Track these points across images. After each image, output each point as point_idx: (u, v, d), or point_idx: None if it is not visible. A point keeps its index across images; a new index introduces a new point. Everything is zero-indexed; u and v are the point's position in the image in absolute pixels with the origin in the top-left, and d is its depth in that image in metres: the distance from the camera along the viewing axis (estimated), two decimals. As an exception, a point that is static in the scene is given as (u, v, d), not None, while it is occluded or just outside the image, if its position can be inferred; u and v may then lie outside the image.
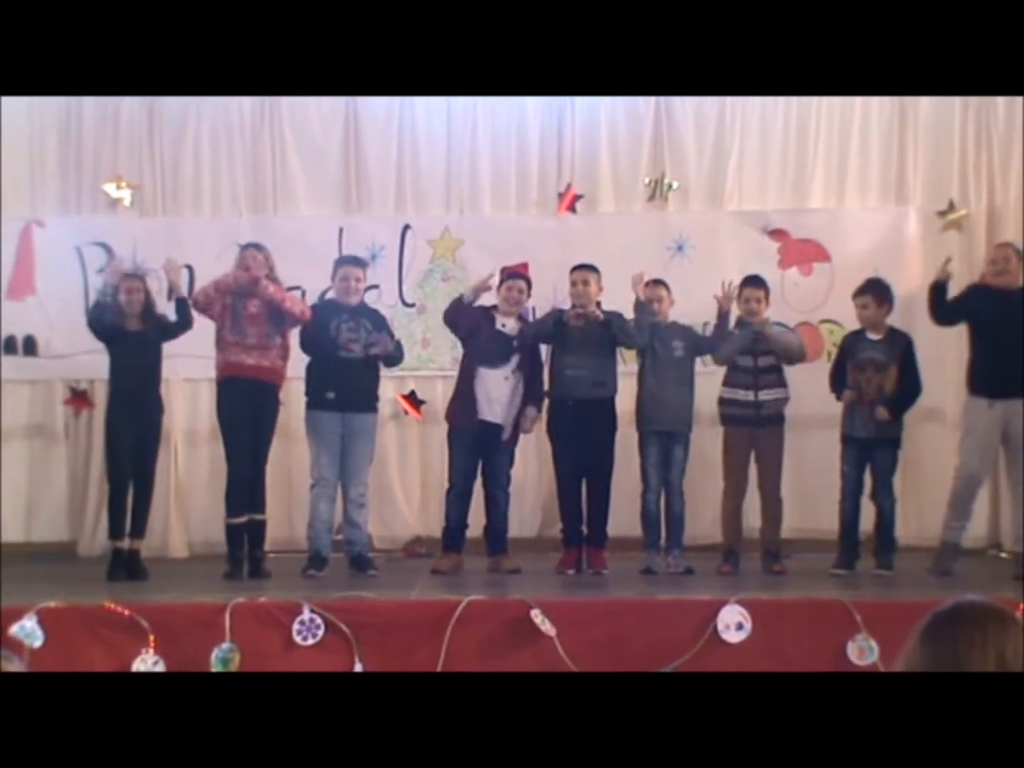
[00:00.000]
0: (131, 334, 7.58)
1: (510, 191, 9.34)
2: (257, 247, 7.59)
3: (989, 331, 7.33)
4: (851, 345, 7.67)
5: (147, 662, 5.76)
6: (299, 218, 9.24)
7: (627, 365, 8.20)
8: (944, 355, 8.36)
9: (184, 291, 7.70)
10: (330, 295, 8.02)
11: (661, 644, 5.83)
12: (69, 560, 8.79)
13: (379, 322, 7.81)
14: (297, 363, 7.78)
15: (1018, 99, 8.91)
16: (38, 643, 5.72)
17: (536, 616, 5.85)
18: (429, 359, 9.15)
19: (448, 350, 8.98)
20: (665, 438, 7.69)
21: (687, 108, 9.23)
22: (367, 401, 7.70)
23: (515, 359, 7.71)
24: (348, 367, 7.55)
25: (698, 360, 8.00)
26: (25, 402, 9.17)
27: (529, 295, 7.92)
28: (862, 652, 5.81)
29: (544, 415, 7.84)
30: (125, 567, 7.48)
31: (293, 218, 9.23)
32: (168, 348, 7.75)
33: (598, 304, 7.76)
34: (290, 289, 7.95)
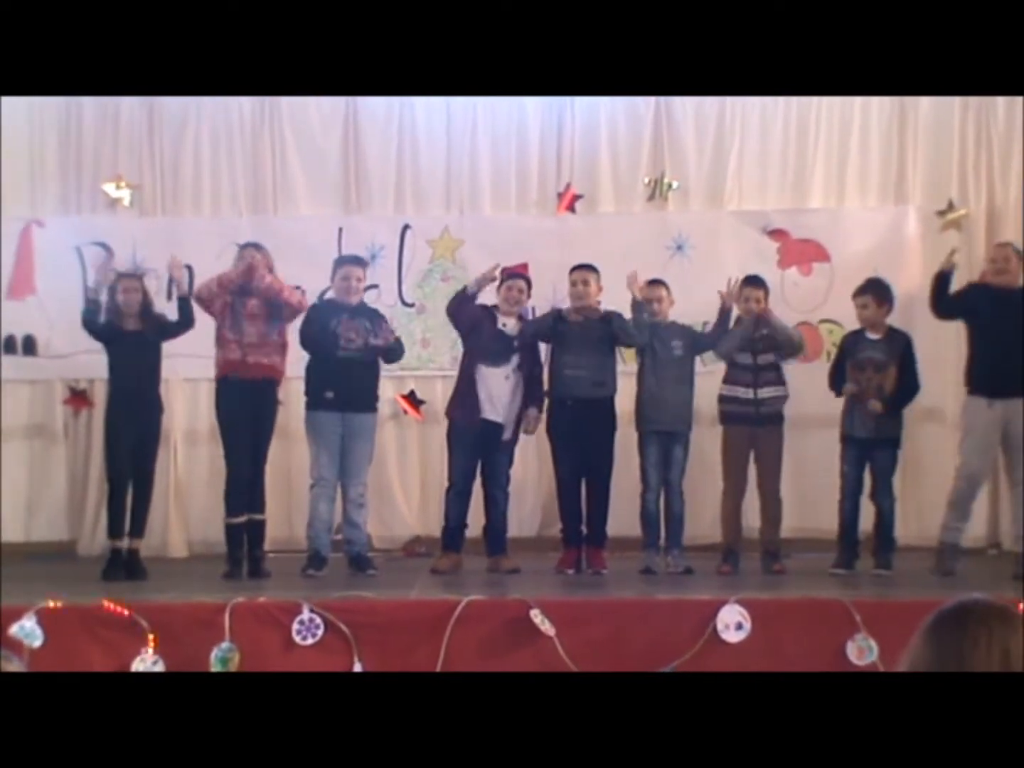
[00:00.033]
0: (129, 333, 7.58)
1: (510, 191, 9.35)
2: (256, 247, 7.60)
3: (988, 330, 7.33)
4: (851, 345, 7.68)
5: (146, 662, 5.76)
6: (299, 218, 9.25)
7: (627, 365, 8.20)
8: (943, 354, 8.37)
9: (186, 290, 7.67)
10: (330, 295, 8.02)
11: (661, 644, 5.83)
12: (69, 560, 8.79)
13: (379, 321, 7.81)
14: (297, 363, 7.78)
15: (1018, 99, 8.91)
16: (38, 643, 5.72)
17: (535, 616, 5.85)
18: (429, 359, 9.15)
19: (447, 350, 8.98)
20: (665, 438, 7.69)
21: (687, 108, 9.23)
22: (367, 401, 7.70)
23: (515, 358, 7.72)
24: (347, 367, 7.55)
25: (698, 360, 8.00)
26: (25, 402, 9.17)
27: (529, 295, 7.92)
28: (861, 652, 5.81)
29: (543, 415, 7.84)
30: (124, 567, 7.48)
31: (293, 218, 9.23)
32: (168, 348, 7.75)
33: (597, 303, 7.77)
34: (289, 288, 7.96)
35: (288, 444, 8.61)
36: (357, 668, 5.81)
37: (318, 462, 7.62)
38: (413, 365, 9.05)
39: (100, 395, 8.47)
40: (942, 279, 7.50)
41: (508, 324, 7.78)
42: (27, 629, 5.73)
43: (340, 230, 9.15)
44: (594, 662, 5.68)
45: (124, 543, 7.54)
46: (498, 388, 7.66)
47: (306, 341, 7.69)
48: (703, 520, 8.31)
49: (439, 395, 8.91)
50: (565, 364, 7.70)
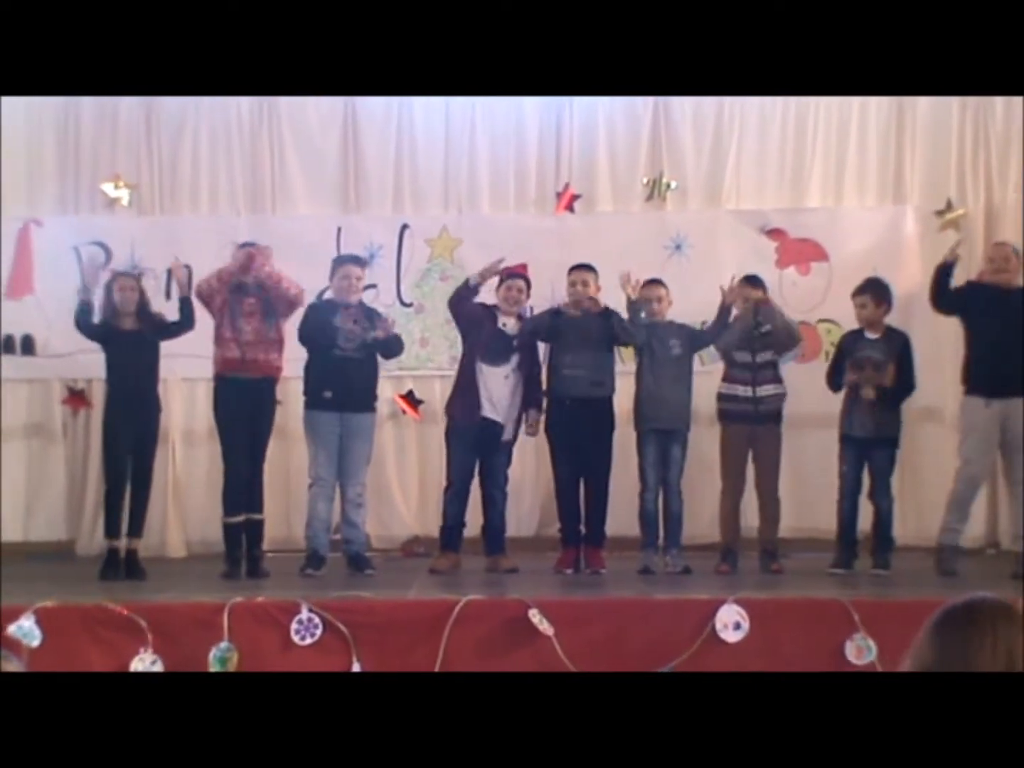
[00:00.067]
0: (126, 333, 7.58)
1: (508, 191, 9.35)
2: (253, 246, 7.59)
3: (986, 330, 7.33)
4: (849, 344, 7.68)
5: (145, 662, 5.76)
6: (297, 217, 9.24)
7: (625, 364, 8.20)
8: (942, 354, 8.37)
9: (188, 292, 7.66)
10: (328, 294, 8.02)
11: (659, 643, 5.83)
12: (67, 560, 8.79)
13: (378, 318, 7.80)
14: (296, 363, 7.78)
15: (1016, 99, 8.91)
16: (36, 643, 5.72)
17: (534, 616, 5.85)
18: (427, 359, 9.15)
19: (446, 350, 8.99)
20: (663, 437, 7.69)
21: (685, 108, 9.23)
22: (365, 401, 7.70)
23: (515, 358, 7.72)
24: (346, 366, 7.55)
25: (696, 360, 8.01)
26: (23, 401, 9.16)
27: (529, 295, 7.92)
28: (860, 651, 5.81)
29: (542, 414, 7.84)
30: (123, 566, 7.48)
31: (291, 217, 9.23)
32: (166, 347, 7.74)
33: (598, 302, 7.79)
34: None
35: (287, 444, 8.62)
36: (356, 668, 5.81)
37: (316, 462, 7.62)
38: (411, 365, 9.06)
39: (98, 395, 8.46)
40: (944, 271, 7.50)
41: (508, 324, 7.78)
42: (25, 629, 5.73)
43: (338, 230, 9.15)
44: (593, 662, 5.68)
45: (121, 543, 7.54)
46: (498, 387, 7.67)
47: (305, 338, 7.69)
48: (701, 520, 8.31)
49: (437, 395, 8.91)
50: (563, 363, 7.70)
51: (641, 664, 5.60)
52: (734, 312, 7.80)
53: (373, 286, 8.74)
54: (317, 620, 5.87)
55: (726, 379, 7.76)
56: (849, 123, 9.22)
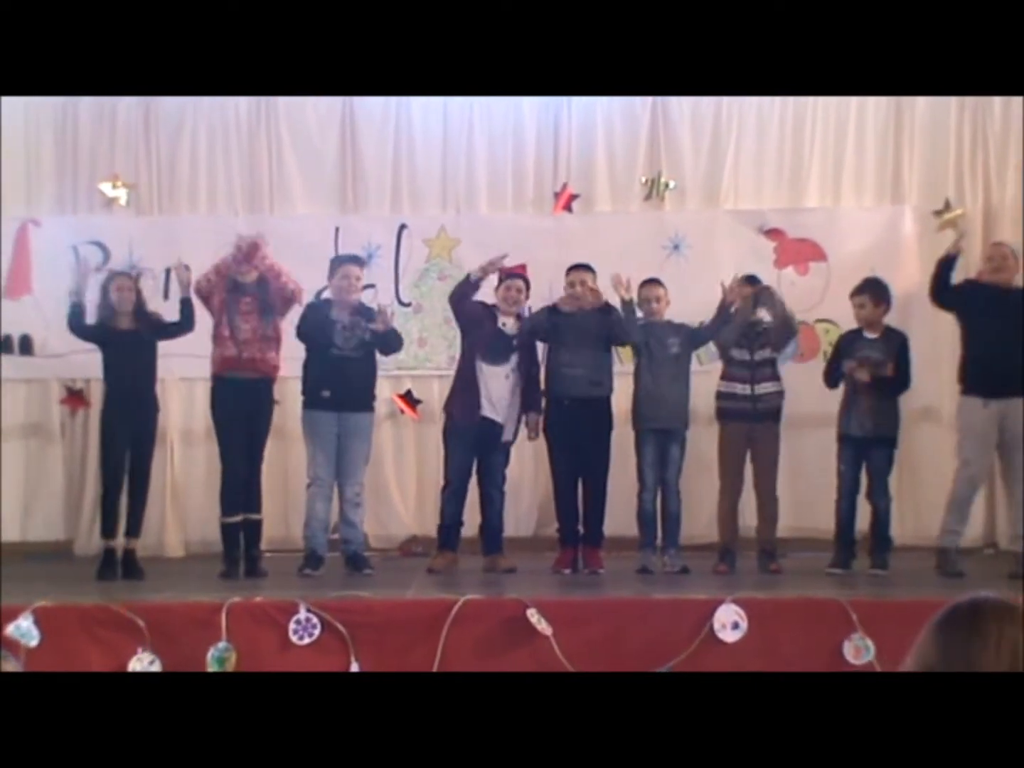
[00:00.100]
0: (123, 333, 7.58)
1: (506, 190, 9.35)
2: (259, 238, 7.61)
3: (984, 329, 7.33)
4: (848, 344, 7.68)
5: (143, 661, 5.76)
6: (295, 217, 9.24)
7: (624, 365, 8.20)
8: (940, 354, 8.37)
9: (189, 293, 7.65)
10: (326, 294, 8.02)
11: (657, 643, 5.83)
12: (65, 559, 8.79)
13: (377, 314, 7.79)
14: (294, 362, 7.78)
15: (1014, 99, 8.92)
16: (34, 642, 5.73)
17: (532, 615, 5.85)
18: (426, 358, 9.15)
19: (444, 349, 9.00)
20: (662, 437, 7.69)
21: (683, 108, 9.23)
22: (363, 400, 7.70)
23: (514, 358, 7.72)
24: (344, 366, 7.55)
25: (694, 360, 8.01)
26: (21, 401, 9.16)
27: (528, 296, 7.92)
28: (858, 651, 5.81)
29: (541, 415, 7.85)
30: (120, 566, 7.49)
31: (289, 217, 9.22)
32: (163, 347, 7.75)
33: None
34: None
35: (285, 444, 8.62)
36: (354, 668, 5.82)
37: (315, 461, 7.62)
38: (410, 364, 9.07)
39: (97, 395, 8.45)
40: (946, 265, 7.49)
41: (507, 324, 7.78)
42: (23, 629, 5.73)
43: (336, 229, 9.15)
44: (591, 662, 5.69)
45: (118, 543, 7.54)
46: (497, 387, 7.67)
47: (303, 335, 7.67)
48: (700, 519, 8.31)
49: (436, 395, 8.91)
50: (562, 363, 7.70)
51: (639, 664, 5.60)
52: (733, 310, 7.80)
53: (372, 286, 8.73)
54: (315, 620, 5.87)
55: (724, 377, 7.76)
56: (847, 123, 9.22)
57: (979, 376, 7.32)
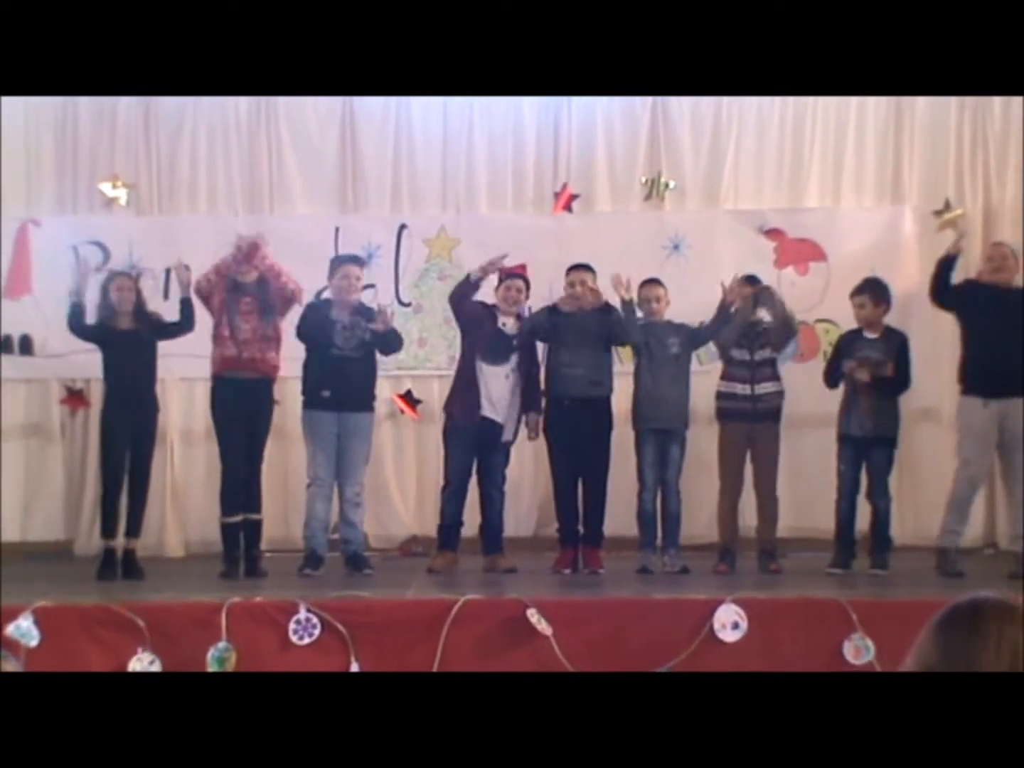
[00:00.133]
0: (123, 333, 7.58)
1: (506, 190, 9.35)
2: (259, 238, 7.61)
3: (984, 329, 7.33)
4: (848, 344, 7.68)
5: (143, 661, 5.76)
6: (295, 217, 9.24)
7: (624, 365, 8.20)
8: (940, 354, 8.37)
9: (190, 293, 7.65)
10: (326, 294, 8.01)
11: (657, 643, 5.83)
12: (65, 559, 8.79)
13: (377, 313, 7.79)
14: (294, 362, 7.78)
15: (1014, 99, 8.92)
16: (34, 642, 5.73)
17: (532, 615, 5.85)
18: (426, 358, 9.15)
19: (444, 349, 9.00)
20: (662, 437, 7.69)
21: (683, 108, 9.23)
22: (363, 400, 7.70)
23: (514, 358, 7.72)
24: (344, 366, 7.55)
25: (694, 360, 8.01)
26: (21, 401, 9.16)
27: (528, 296, 7.92)
28: (858, 651, 5.81)
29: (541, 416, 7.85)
30: (120, 566, 7.49)
31: (289, 217, 9.22)
32: (164, 347, 7.75)
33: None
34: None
35: (285, 444, 8.62)
36: (354, 668, 5.82)
37: (314, 461, 7.62)
38: (410, 364, 9.07)
39: (97, 395, 8.45)
40: (946, 264, 7.49)
41: (507, 324, 7.78)
42: (24, 629, 5.73)
43: (336, 230, 9.15)
44: (591, 662, 5.69)
45: (118, 543, 7.54)
46: (498, 387, 7.67)
47: (303, 335, 7.67)
48: (700, 519, 8.31)
49: (436, 395, 8.91)
50: (562, 363, 7.70)
51: (639, 664, 5.60)
52: (733, 310, 7.80)
53: (372, 286, 8.73)
54: (315, 620, 5.87)
55: (724, 377, 7.76)
56: (847, 123, 9.22)
57: (979, 376, 7.32)
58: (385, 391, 8.74)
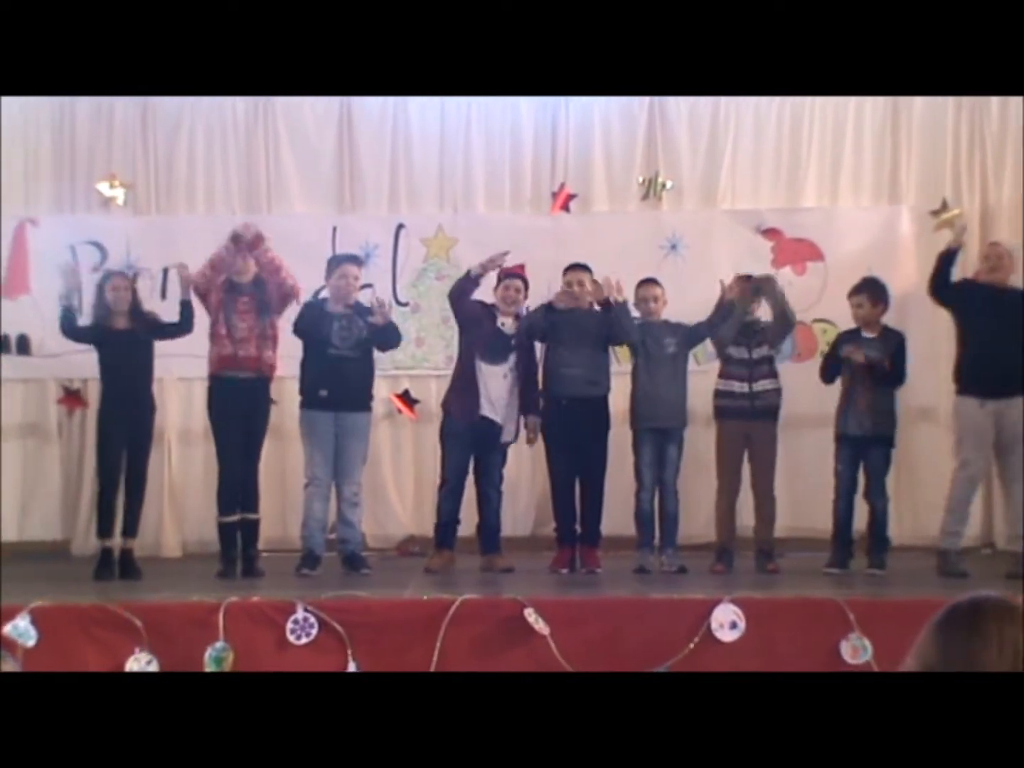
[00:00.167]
0: (120, 332, 7.57)
1: (504, 190, 9.35)
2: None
3: (980, 329, 7.32)
4: (845, 342, 7.68)
5: (140, 661, 5.76)
6: (293, 217, 9.23)
7: (621, 364, 8.20)
8: (938, 354, 8.37)
9: (190, 295, 7.64)
10: (324, 294, 8.01)
11: (655, 643, 5.83)
12: (63, 559, 8.78)
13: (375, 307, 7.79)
14: (292, 362, 7.78)
15: (1011, 99, 8.93)
16: (31, 642, 5.72)
17: (530, 615, 5.85)
18: (423, 358, 9.15)
19: (442, 349, 8.99)
20: (660, 436, 7.69)
21: (681, 108, 9.24)
22: (361, 400, 7.70)
23: (512, 357, 7.73)
24: (342, 366, 7.55)
25: (691, 359, 8.01)
26: (19, 401, 9.15)
27: (526, 296, 7.92)
28: (856, 651, 5.81)
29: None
30: (117, 566, 7.48)
31: (287, 217, 9.21)
32: (161, 347, 7.74)
33: (591, 304, 7.80)
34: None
35: (282, 443, 8.62)
36: (351, 668, 5.81)
37: (312, 461, 7.62)
38: (407, 364, 9.07)
39: (94, 395, 8.44)
40: (947, 258, 7.48)
41: (506, 324, 7.78)
42: (21, 628, 5.73)
43: (334, 229, 9.15)
44: (588, 661, 5.69)
45: (115, 543, 7.53)
46: (496, 386, 7.67)
47: (300, 331, 7.66)
48: (697, 519, 8.32)
49: (433, 394, 8.91)
50: (559, 362, 7.70)
51: (637, 664, 5.60)
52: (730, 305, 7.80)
53: (369, 285, 8.72)
54: (313, 620, 5.87)
55: (722, 376, 7.76)
56: (845, 123, 9.23)
57: (975, 376, 7.32)
58: (383, 391, 8.74)
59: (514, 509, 8.69)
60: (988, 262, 7.54)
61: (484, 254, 7.84)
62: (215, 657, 5.77)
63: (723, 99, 9.15)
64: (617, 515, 7.88)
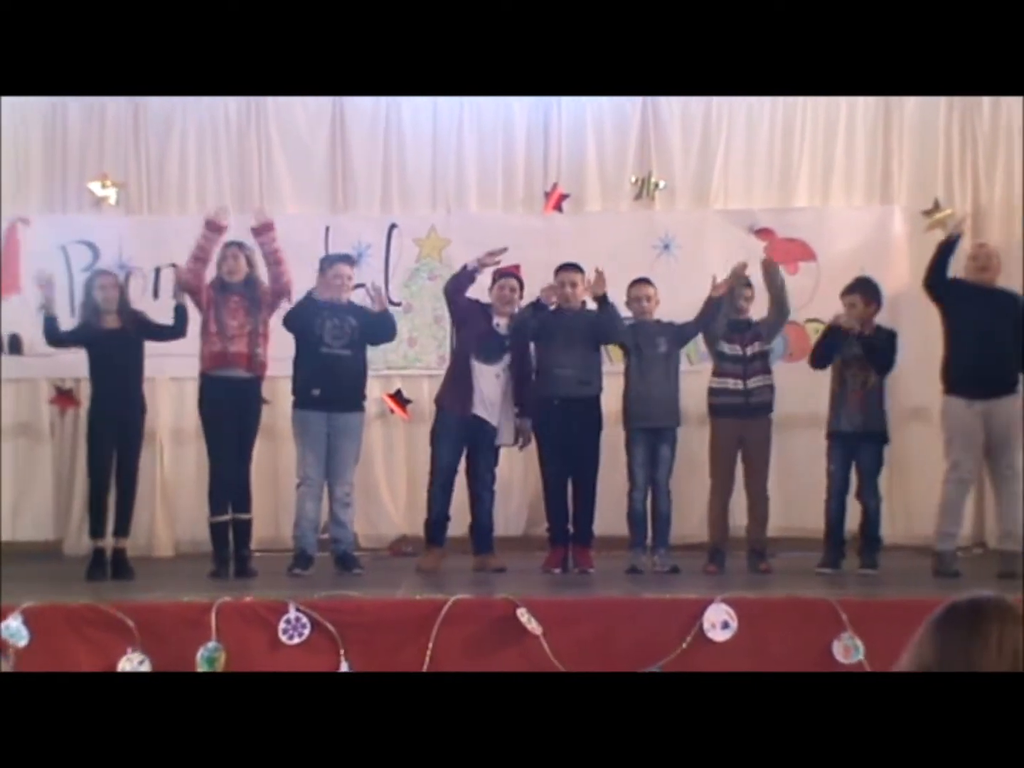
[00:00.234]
0: (109, 332, 7.56)
1: (496, 190, 9.35)
2: (239, 245, 7.60)
3: (968, 328, 7.33)
4: (838, 342, 7.67)
5: (133, 661, 5.75)
6: (285, 217, 9.16)
7: (613, 364, 8.21)
8: (930, 353, 8.34)
9: (184, 298, 7.63)
10: (315, 293, 7.99)
11: (647, 643, 5.83)
12: (55, 559, 8.77)
13: (367, 319, 7.78)
14: (284, 362, 7.77)
15: (1002, 99, 8.95)
16: (23, 642, 5.71)
17: (522, 615, 5.85)
18: (415, 358, 9.15)
19: (434, 349, 9.00)
20: (652, 436, 7.69)
21: (673, 108, 9.24)
22: (353, 400, 7.70)
23: (507, 357, 7.73)
24: (334, 365, 7.55)
25: (684, 359, 8.01)
26: (10, 401, 9.14)
27: (522, 295, 7.92)
28: (848, 651, 5.82)
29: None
30: (109, 566, 7.47)
31: (279, 217, 9.13)
32: (153, 347, 7.71)
33: (583, 303, 7.80)
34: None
35: (275, 443, 8.62)
36: (344, 668, 5.81)
37: (304, 461, 7.61)
38: (400, 364, 9.07)
39: (86, 394, 8.43)
40: (946, 248, 7.47)
41: (501, 324, 7.78)
42: (13, 629, 5.72)
43: (327, 229, 9.14)
44: (581, 661, 5.69)
45: (107, 542, 7.52)
46: (489, 386, 7.67)
47: (290, 324, 7.64)
48: (690, 519, 8.32)
49: (425, 394, 8.90)
50: (551, 362, 7.71)
51: (629, 664, 5.60)
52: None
53: (362, 285, 8.71)
54: (305, 620, 5.87)
55: (716, 373, 7.76)
56: (837, 123, 9.24)
57: (963, 376, 7.32)
58: (375, 391, 8.73)
59: (506, 509, 8.70)
60: (977, 261, 7.54)
61: (476, 254, 7.84)
62: (207, 657, 5.76)
63: (715, 99, 9.15)
64: (609, 515, 7.88)
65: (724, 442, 7.70)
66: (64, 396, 9.09)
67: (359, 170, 9.33)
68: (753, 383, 7.66)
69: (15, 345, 9.00)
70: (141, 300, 8.19)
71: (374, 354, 8.08)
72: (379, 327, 7.77)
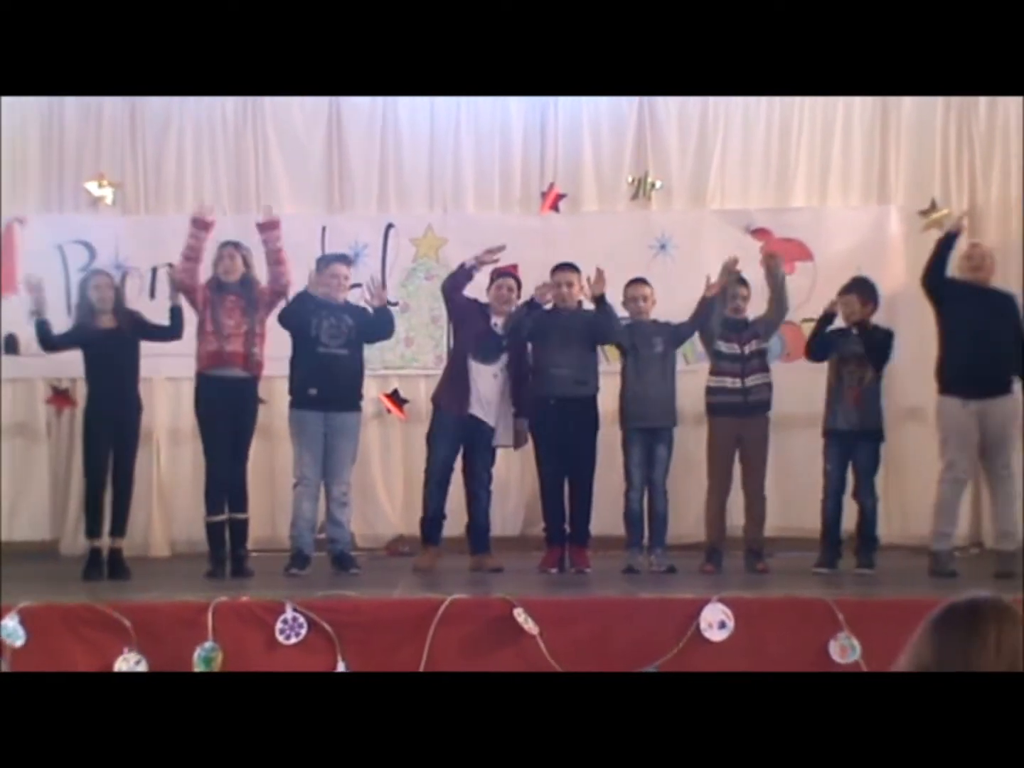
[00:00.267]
0: (105, 332, 7.55)
1: (493, 190, 9.35)
2: (236, 245, 7.60)
3: (962, 328, 7.32)
4: (835, 339, 7.68)
5: (129, 661, 5.74)
6: (282, 217, 9.15)
7: (610, 364, 8.21)
8: (927, 353, 8.35)
9: (180, 300, 7.62)
10: (311, 292, 7.97)
11: (644, 643, 5.83)
12: (51, 559, 8.77)
13: (364, 318, 7.79)
14: (281, 361, 7.76)
15: (999, 99, 8.96)
16: (20, 642, 5.71)
17: (519, 615, 5.85)
18: (412, 358, 9.15)
19: (431, 349, 9.00)
20: (649, 436, 7.69)
21: (670, 108, 9.25)
22: (350, 400, 7.69)
23: (504, 357, 7.73)
24: (331, 364, 7.54)
25: (680, 359, 8.02)
26: (7, 401, 9.13)
27: (519, 295, 7.92)
28: (844, 651, 5.82)
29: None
30: (106, 566, 7.47)
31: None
32: (150, 346, 7.70)
33: (580, 303, 7.81)
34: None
35: (271, 443, 8.62)
36: (340, 667, 5.81)
37: (301, 461, 7.61)
38: (396, 364, 9.07)
39: (82, 394, 8.42)
40: (946, 243, 7.46)
41: (499, 323, 7.78)
42: (9, 629, 5.72)
43: (323, 229, 9.14)
44: (577, 661, 5.69)
45: (103, 542, 7.52)
46: (487, 386, 7.67)
47: (285, 320, 7.63)
48: (687, 519, 8.32)
49: (422, 394, 8.91)
50: (547, 362, 7.71)
51: (626, 663, 5.60)
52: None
53: (358, 285, 8.71)
54: (302, 619, 5.86)
55: (714, 372, 7.76)
56: (834, 123, 9.24)
57: (957, 376, 7.33)
58: (372, 390, 8.73)
59: (503, 509, 8.70)
60: (971, 261, 7.54)
61: (474, 253, 7.83)
62: (204, 657, 5.76)
63: (712, 99, 9.16)
64: (606, 515, 7.88)
65: (722, 441, 7.71)
66: (60, 396, 9.08)
67: (356, 170, 9.33)
68: (751, 381, 7.66)
69: (11, 345, 8.99)
70: (138, 300, 8.18)
71: (371, 354, 8.09)
72: (377, 323, 7.77)
